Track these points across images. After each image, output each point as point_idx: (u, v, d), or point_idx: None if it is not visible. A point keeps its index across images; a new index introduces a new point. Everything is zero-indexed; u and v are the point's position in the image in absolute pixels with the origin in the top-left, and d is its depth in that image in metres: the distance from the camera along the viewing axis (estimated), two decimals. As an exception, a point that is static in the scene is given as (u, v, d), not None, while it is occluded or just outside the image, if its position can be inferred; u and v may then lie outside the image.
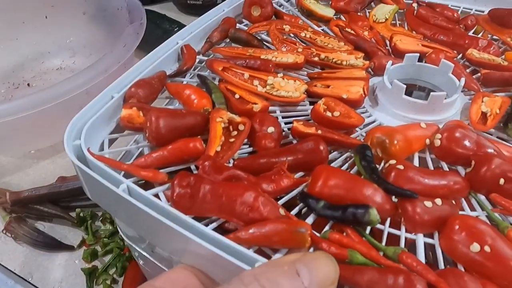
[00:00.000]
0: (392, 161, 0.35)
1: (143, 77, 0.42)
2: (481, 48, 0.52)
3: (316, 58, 0.50)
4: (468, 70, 0.50)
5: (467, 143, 0.36)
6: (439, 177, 0.34)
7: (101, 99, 0.38)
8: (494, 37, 0.56)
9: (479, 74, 0.49)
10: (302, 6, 0.59)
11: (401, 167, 0.34)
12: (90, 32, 0.86)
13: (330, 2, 0.61)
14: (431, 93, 0.40)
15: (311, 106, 0.44)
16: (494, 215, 0.33)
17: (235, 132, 0.38)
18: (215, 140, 0.36)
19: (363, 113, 0.44)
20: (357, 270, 0.27)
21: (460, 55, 0.53)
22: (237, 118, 0.38)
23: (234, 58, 0.48)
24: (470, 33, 0.57)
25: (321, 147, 0.36)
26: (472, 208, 0.34)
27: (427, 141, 0.39)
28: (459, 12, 0.62)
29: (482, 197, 0.34)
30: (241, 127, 0.38)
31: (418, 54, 0.46)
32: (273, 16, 0.58)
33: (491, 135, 0.41)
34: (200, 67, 0.49)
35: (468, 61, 0.50)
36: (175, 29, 0.91)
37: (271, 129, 0.38)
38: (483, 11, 0.61)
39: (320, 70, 0.50)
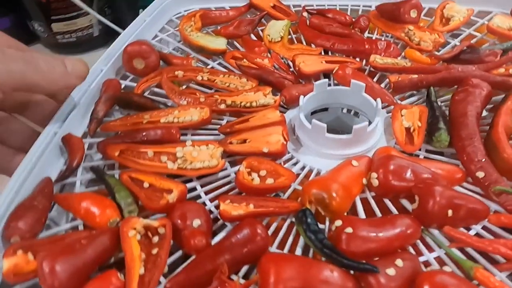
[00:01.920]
0: (338, 222, 0.32)
1: (20, 199, 0.33)
2: (381, 50, 0.50)
3: (222, 106, 0.44)
4: (375, 78, 0.48)
5: (403, 174, 0.34)
6: (390, 227, 0.31)
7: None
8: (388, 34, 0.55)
9: (387, 80, 0.47)
10: (190, 42, 0.53)
11: (349, 230, 0.31)
12: None
13: (220, 30, 0.56)
14: (353, 126, 0.37)
15: (233, 169, 0.39)
16: (453, 253, 0.31)
17: (156, 238, 0.32)
18: (133, 265, 0.29)
19: (289, 160, 0.40)
20: None
21: (364, 62, 0.51)
22: (154, 223, 0.32)
23: (131, 132, 0.41)
24: (366, 35, 0.56)
25: (259, 231, 0.31)
26: (430, 248, 0.32)
27: (364, 180, 0.36)
28: (348, 11, 0.60)
29: (435, 232, 0.33)
30: (161, 230, 0.32)
31: (327, 80, 0.43)
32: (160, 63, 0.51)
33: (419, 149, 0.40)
34: (90, 155, 0.41)
35: (373, 68, 0.49)
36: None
37: (197, 222, 0.32)
38: (370, 6, 0.60)
39: (229, 119, 0.45)
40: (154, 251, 0.31)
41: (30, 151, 0.37)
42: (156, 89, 0.49)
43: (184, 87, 0.49)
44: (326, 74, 0.49)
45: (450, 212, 0.32)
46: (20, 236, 0.31)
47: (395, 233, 0.31)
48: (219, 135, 0.43)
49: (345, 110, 0.50)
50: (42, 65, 0.35)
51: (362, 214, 0.34)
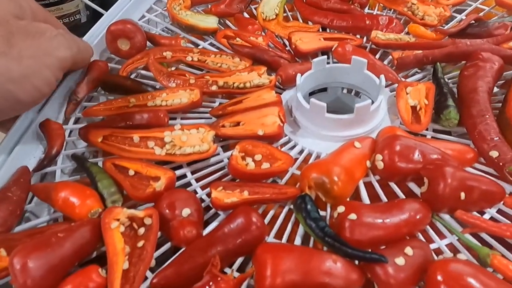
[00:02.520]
0: (341, 209, 0.29)
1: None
2: (383, 26, 0.47)
3: (214, 87, 0.41)
4: (377, 56, 0.45)
5: (411, 155, 0.31)
6: (398, 212, 0.29)
7: None
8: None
9: (390, 57, 0.44)
10: (178, 21, 0.49)
11: (353, 216, 0.28)
12: None
13: (210, 8, 0.52)
14: (356, 105, 0.35)
15: (226, 154, 0.36)
16: (467, 239, 0.28)
17: (142, 230, 0.29)
18: (116, 260, 0.26)
19: (286, 143, 0.37)
20: None
21: (365, 39, 0.48)
22: (139, 213, 0.29)
23: (115, 117, 0.38)
24: (366, 10, 0.52)
25: (254, 219, 0.29)
26: (441, 235, 0.30)
27: (368, 163, 0.33)
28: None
29: (446, 217, 0.30)
30: (147, 221, 0.29)
31: (325, 57, 0.40)
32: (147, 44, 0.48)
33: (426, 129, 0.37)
34: (72, 142, 0.38)
35: (374, 44, 0.46)
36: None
37: (186, 211, 0.30)
38: (369, -20, 0.57)
39: (221, 101, 0.42)
40: (140, 243, 0.28)
41: (5, 139, 0.34)
42: (143, 72, 0.46)
43: (173, 68, 0.46)
44: (325, 52, 0.46)
45: (462, 195, 0.29)
46: (-8, 231, 0.28)
47: (403, 218, 0.28)
48: (210, 118, 0.40)
49: (345, 91, 0.47)
50: (81, 45, 0.39)
51: (366, 199, 0.32)
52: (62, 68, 0.35)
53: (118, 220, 0.28)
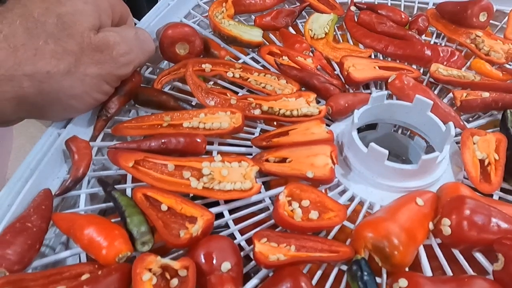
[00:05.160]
0: (403, 283, 0.25)
1: (13, 216, 0.27)
2: (443, 59, 0.43)
3: (257, 111, 0.38)
4: (436, 91, 0.41)
5: (484, 224, 0.28)
6: (467, 292, 0.25)
7: None
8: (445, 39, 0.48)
9: (450, 95, 0.40)
10: (221, 32, 0.45)
11: (420, 296, 0.24)
12: None
13: (254, 20, 0.48)
14: (422, 157, 0.31)
15: (268, 193, 0.32)
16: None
17: (175, 281, 0.25)
18: (146, 323, 0.23)
19: (334, 186, 0.34)
20: None
21: (422, 70, 0.44)
22: (174, 264, 0.25)
23: (147, 139, 0.34)
24: (423, 37, 0.48)
25: (303, 286, 0.25)
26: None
27: (431, 225, 0.29)
28: (401, 8, 0.53)
29: (521, 303, 0.26)
30: (182, 272, 0.26)
31: (385, 93, 0.36)
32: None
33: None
34: (99, 163, 0.35)
35: (434, 79, 0.42)
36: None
37: (226, 266, 0.26)
38: (427, 3, 0.53)
39: (263, 127, 0.38)
40: (172, 298, 0.25)
41: (28, 157, 0.30)
42: (179, 84, 0.42)
43: (211, 83, 0.43)
44: (376, 82, 0.42)
45: (545, 281, 0.25)
46: (7, 269, 0.25)
47: (474, 302, 0.25)
48: (251, 146, 0.36)
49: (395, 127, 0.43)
50: (151, 45, 0.38)
51: (428, 271, 0.28)
52: (121, 80, 0.36)
53: (150, 270, 0.25)
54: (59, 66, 0.30)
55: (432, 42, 0.48)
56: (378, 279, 0.27)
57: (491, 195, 0.33)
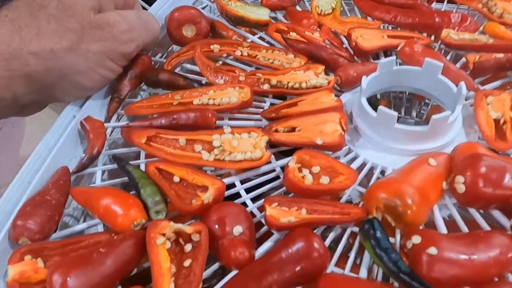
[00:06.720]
0: (416, 239, 0.25)
1: (32, 192, 0.28)
2: (455, 24, 0.42)
3: (266, 86, 0.38)
4: (448, 57, 0.41)
5: (499, 180, 0.27)
6: (485, 247, 0.25)
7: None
8: (461, 6, 0.47)
9: (463, 59, 0.40)
10: (228, 13, 0.46)
11: (433, 251, 0.24)
12: None
13: (261, 1, 0.49)
14: (432, 116, 0.30)
15: (279, 162, 0.33)
16: None
17: (188, 246, 0.26)
18: (162, 282, 0.23)
19: (345, 154, 0.33)
20: None
21: (433, 37, 0.43)
22: (187, 228, 0.26)
23: (160, 115, 0.35)
24: (433, 6, 0.47)
25: (316, 245, 0.25)
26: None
27: (444, 185, 0.29)
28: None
29: (541, 256, 0.25)
30: (195, 237, 0.26)
31: (394, 58, 0.36)
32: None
33: (509, 145, 0.32)
34: (113, 142, 0.36)
35: (445, 45, 0.41)
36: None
37: (238, 230, 0.26)
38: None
39: (272, 101, 0.38)
40: (186, 263, 0.25)
41: (45, 137, 0.32)
42: (188, 65, 0.43)
43: (220, 63, 0.43)
44: (386, 52, 0.42)
45: None
46: (29, 238, 0.26)
47: (492, 256, 0.24)
48: (260, 120, 0.36)
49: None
50: (155, 25, 0.39)
51: (443, 228, 0.27)
52: (126, 59, 0.37)
53: (164, 235, 0.25)
54: (61, 43, 0.31)
55: (443, 9, 0.47)
56: (391, 239, 0.27)
57: (508, 155, 0.32)
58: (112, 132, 0.36)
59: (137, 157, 0.35)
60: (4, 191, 0.29)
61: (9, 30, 0.30)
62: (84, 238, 0.27)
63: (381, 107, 0.31)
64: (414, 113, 0.51)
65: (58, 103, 0.37)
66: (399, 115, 0.44)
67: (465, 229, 0.27)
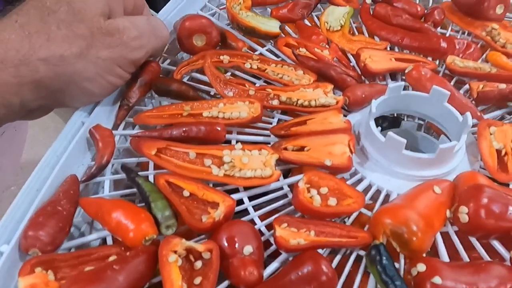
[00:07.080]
0: (421, 267, 0.26)
1: (42, 200, 0.28)
2: (459, 51, 0.43)
3: (275, 102, 0.38)
4: (452, 83, 0.42)
5: (501, 212, 0.28)
6: (486, 278, 0.26)
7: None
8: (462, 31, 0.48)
9: (467, 86, 0.41)
10: (239, 23, 0.46)
11: (438, 280, 0.25)
12: None
13: (270, 12, 0.49)
14: (440, 146, 0.31)
15: (287, 181, 0.33)
16: None
17: (199, 263, 0.26)
18: (174, 301, 0.24)
19: (351, 175, 0.34)
20: None
21: (437, 62, 0.44)
22: (199, 247, 0.26)
23: (170, 126, 0.35)
24: (439, 30, 0.48)
25: (324, 269, 0.26)
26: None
27: (448, 213, 0.30)
28: (417, 0, 0.53)
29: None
30: (206, 255, 0.26)
31: (403, 84, 0.36)
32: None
33: (509, 176, 0.33)
34: (122, 152, 0.36)
35: (450, 71, 0.42)
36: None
37: (248, 249, 0.27)
38: (442, -4, 0.53)
39: (280, 117, 0.39)
40: (197, 280, 0.26)
41: (54, 144, 0.31)
42: (198, 75, 0.43)
43: (228, 74, 0.43)
44: (393, 74, 0.43)
45: (563, 268, 0.26)
46: (40, 249, 0.26)
47: (493, 287, 0.25)
48: (269, 135, 0.37)
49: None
50: (164, 31, 0.39)
51: (445, 256, 0.28)
52: (135, 66, 0.37)
53: (175, 252, 0.26)
54: (71, 49, 0.31)
55: (448, 35, 0.48)
56: (396, 265, 0.28)
57: (508, 185, 0.33)
58: (119, 139, 0.36)
59: (137, 165, 0.35)
60: (7, 194, 0.29)
61: (19, 36, 0.30)
62: (94, 250, 0.27)
63: (390, 133, 0.32)
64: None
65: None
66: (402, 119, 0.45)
67: (466, 258, 0.28)
